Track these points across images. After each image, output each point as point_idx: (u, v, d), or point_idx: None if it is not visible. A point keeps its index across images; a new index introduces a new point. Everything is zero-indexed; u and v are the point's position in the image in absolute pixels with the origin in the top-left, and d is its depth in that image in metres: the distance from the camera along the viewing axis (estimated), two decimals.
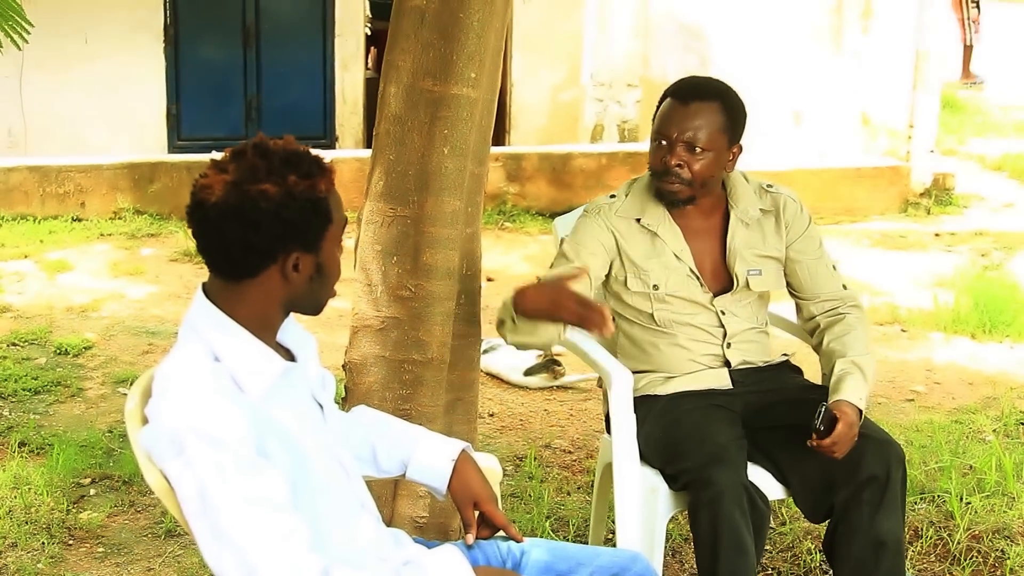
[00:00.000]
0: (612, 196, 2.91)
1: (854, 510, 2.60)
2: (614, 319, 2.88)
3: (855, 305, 2.89)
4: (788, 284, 2.93)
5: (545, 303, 2.53)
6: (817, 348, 2.89)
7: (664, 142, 2.78)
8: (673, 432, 2.70)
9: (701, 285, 2.83)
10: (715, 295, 2.84)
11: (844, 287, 2.91)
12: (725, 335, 2.84)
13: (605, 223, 2.84)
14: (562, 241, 2.91)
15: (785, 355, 2.97)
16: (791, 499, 2.75)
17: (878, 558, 2.59)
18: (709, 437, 2.63)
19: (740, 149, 2.83)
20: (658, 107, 2.83)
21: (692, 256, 2.83)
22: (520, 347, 2.72)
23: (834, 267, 2.93)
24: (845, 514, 2.62)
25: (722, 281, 2.86)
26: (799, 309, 2.95)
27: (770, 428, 2.74)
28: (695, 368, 2.82)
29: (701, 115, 2.75)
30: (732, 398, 2.79)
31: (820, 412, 2.59)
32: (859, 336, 2.81)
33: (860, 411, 2.63)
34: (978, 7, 12.81)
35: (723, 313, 2.84)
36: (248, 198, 1.77)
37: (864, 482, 2.59)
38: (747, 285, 2.85)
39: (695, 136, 2.74)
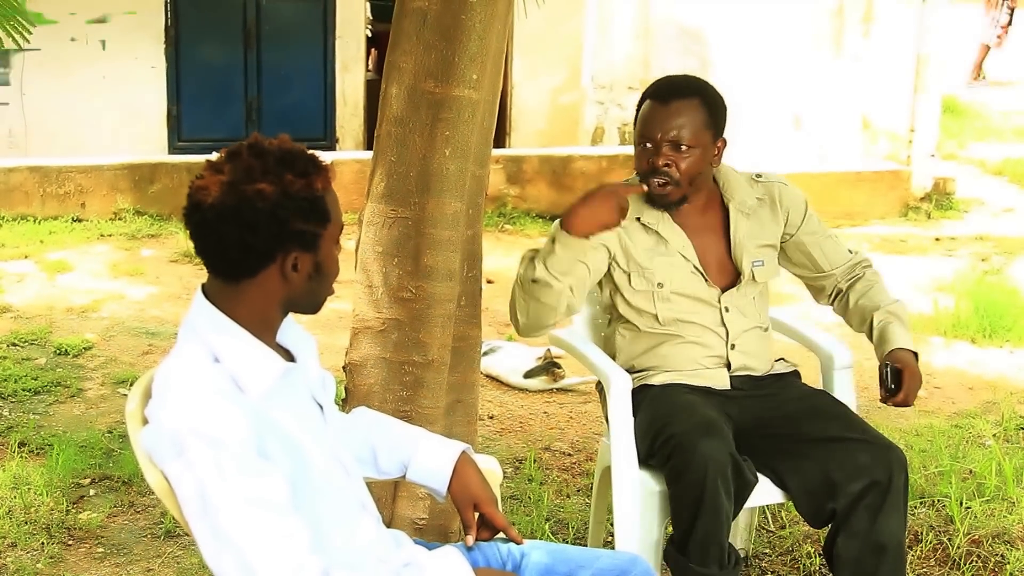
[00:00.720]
0: None
1: (855, 514, 2.60)
2: (619, 318, 2.88)
3: (867, 265, 2.98)
4: (804, 267, 2.97)
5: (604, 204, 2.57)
6: (843, 311, 2.97)
7: (649, 144, 2.77)
8: (663, 410, 2.69)
9: (706, 280, 2.83)
10: (721, 290, 2.85)
11: (850, 251, 2.99)
12: (728, 334, 2.84)
13: None
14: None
15: (783, 359, 2.97)
16: (791, 503, 2.75)
17: (878, 562, 2.59)
18: (698, 411, 2.64)
19: (724, 143, 2.84)
20: (638, 110, 2.83)
21: (696, 253, 2.84)
22: (539, 286, 2.65)
23: (836, 236, 3.00)
24: (846, 518, 2.61)
25: (727, 275, 2.86)
26: (819, 290, 3.00)
27: (769, 435, 2.73)
28: (695, 368, 2.82)
29: (683, 113, 2.75)
30: (728, 401, 2.79)
31: (887, 373, 2.69)
32: (882, 287, 2.93)
33: (916, 355, 2.73)
34: (1011, 15, 12.83)
35: (727, 311, 2.84)
36: (244, 198, 1.76)
37: (866, 487, 2.58)
38: (753, 277, 2.86)
39: (679, 135, 2.74)
